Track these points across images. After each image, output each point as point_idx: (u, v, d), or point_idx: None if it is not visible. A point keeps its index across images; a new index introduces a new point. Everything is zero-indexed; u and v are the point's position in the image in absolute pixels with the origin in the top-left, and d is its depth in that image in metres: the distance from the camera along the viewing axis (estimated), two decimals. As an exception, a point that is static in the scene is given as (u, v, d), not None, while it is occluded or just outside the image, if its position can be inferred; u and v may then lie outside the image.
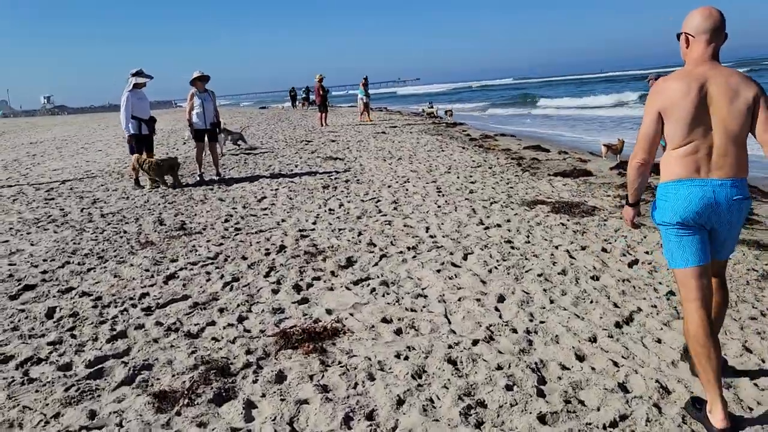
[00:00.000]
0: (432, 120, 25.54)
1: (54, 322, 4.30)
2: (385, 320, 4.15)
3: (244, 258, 5.72)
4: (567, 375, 3.32)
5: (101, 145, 19.95)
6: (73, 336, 4.06)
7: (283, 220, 7.25)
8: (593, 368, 3.39)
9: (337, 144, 15.69)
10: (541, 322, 4.02)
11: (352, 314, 4.29)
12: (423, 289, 4.76)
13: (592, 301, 4.36)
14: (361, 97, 24.57)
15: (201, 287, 4.95)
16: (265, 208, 8.02)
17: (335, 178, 10.24)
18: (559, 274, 4.96)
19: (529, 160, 12.05)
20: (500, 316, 4.16)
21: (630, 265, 5.13)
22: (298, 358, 3.60)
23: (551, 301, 4.39)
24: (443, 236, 6.24)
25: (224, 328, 4.11)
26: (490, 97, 55.88)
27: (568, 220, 6.75)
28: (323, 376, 3.39)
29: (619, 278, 4.81)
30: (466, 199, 8.11)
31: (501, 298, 4.48)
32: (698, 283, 2.79)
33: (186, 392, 3.20)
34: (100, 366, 3.57)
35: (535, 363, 3.45)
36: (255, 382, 3.35)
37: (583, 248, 5.64)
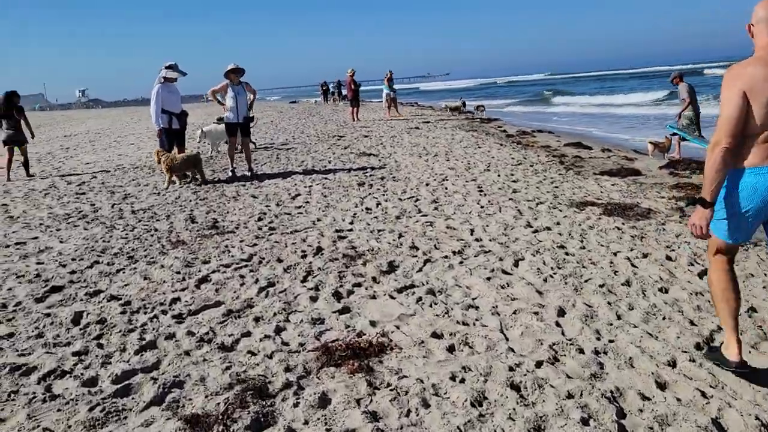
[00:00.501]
0: (457, 115, 24.86)
1: (80, 329, 4.03)
2: (435, 335, 3.78)
3: (279, 260, 5.41)
4: (649, 407, 2.91)
5: (133, 138, 19.94)
6: (100, 345, 3.78)
7: (318, 220, 6.93)
8: (678, 399, 2.97)
9: (370, 139, 15.34)
10: (610, 341, 3.61)
11: (398, 327, 3.93)
12: (473, 299, 4.38)
13: (664, 318, 3.92)
14: (387, 92, 23.88)
15: (235, 292, 4.65)
16: (300, 206, 7.71)
17: (370, 175, 9.88)
18: (622, 285, 4.52)
19: (572, 158, 11.53)
20: (562, 333, 3.76)
21: (700, 275, 4.67)
22: (343, 378, 3.26)
23: (618, 317, 3.96)
24: (490, 240, 5.84)
25: (260, 340, 3.78)
26: (521, 93, 54.85)
27: (623, 224, 6.28)
28: (371, 400, 3.04)
29: (691, 291, 4.36)
30: (510, 199, 7.68)
31: (561, 312, 4.07)
32: (734, 251, 3.07)
33: (221, 417, 2.88)
34: (127, 382, 3.28)
35: (611, 391, 3.04)
36: (296, 405, 3.01)
37: (645, 256, 5.18)
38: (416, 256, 5.40)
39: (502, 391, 3.05)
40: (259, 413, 2.93)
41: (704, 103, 15.86)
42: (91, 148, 17.05)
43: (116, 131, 24.33)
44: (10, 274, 5.27)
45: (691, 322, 3.84)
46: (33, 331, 4.01)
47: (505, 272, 4.90)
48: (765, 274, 4.65)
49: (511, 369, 3.29)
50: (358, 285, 4.73)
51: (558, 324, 3.88)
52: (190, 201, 8.32)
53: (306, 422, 2.87)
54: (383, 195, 8.25)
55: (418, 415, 2.90)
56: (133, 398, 3.13)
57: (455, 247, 5.62)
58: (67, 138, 21.90)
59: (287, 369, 3.38)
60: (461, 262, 5.18)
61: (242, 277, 4.98)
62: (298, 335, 3.85)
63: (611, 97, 37.50)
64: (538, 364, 3.34)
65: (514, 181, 8.93)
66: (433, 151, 12.71)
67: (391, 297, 4.47)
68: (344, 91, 33.86)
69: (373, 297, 4.49)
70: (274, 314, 4.19)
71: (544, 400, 2.98)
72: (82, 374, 3.40)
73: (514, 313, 4.08)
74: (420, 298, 4.39)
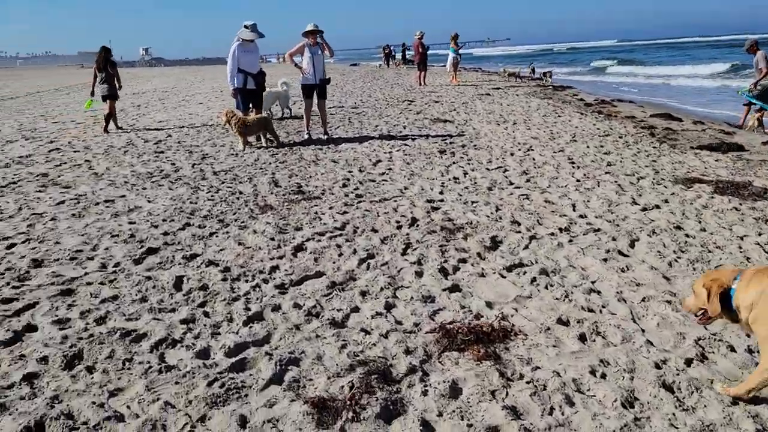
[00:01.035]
0: (518, 81, 23.75)
1: (183, 295, 3.92)
2: (561, 321, 3.48)
3: (374, 230, 5.17)
4: (832, 421, 2.55)
5: (201, 98, 20.02)
6: (206, 314, 3.64)
7: (405, 188, 6.65)
8: None
9: (441, 105, 14.87)
10: (763, 339, 3.22)
11: (516, 310, 3.64)
12: (593, 282, 4.04)
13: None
14: (454, 55, 22.47)
15: (334, 263, 4.45)
16: (383, 173, 7.44)
17: (450, 143, 9.50)
18: (760, 274, 4.09)
19: (663, 130, 10.81)
20: (705, 327, 3.39)
21: None
22: (469, 365, 3.01)
23: (765, 311, 3.56)
24: (596, 217, 5.44)
25: (372, 317, 3.57)
26: (585, 59, 52.37)
27: (740, 204, 5.76)
28: (507, 393, 2.78)
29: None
30: (606, 173, 7.21)
31: (696, 302, 3.69)
32: None
33: (348, 402, 2.68)
34: (241, 356, 3.12)
35: (781, 399, 2.69)
36: (425, 394, 2.78)
37: (777, 241, 4.71)
38: (519, 231, 5.07)
39: (655, 392, 2.74)
40: (387, 400, 2.72)
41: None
42: (162, 107, 17.18)
43: (183, 90, 24.53)
44: (104, 233, 5.23)
45: None
46: (137, 295, 3.92)
47: (621, 253, 4.53)
48: None
49: (657, 366, 2.96)
50: (464, 261, 4.45)
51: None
52: (270, 164, 8.17)
53: (440, 414, 2.64)
54: (468, 164, 7.89)
55: (563, 414, 2.62)
56: (250, 374, 2.97)
57: (560, 223, 5.26)
58: (136, 96, 22.20)
59: (407, 351, 3.16)
60: (570, 241, 4.82)
61: (339, 246, 4.77)
62: (411, 314, 3.62)
63: (680, 68, 34.76)
64: (688, 362, 3.00)
65: (606, 154, 8.40)
66: (510, 119, 12.19)
67: (502, 276, 4.18)
68: (409, 55, 32.99)
69: (482, 275, 4.21)
70: (381, 289, 3.96)
71: (705, 405, 2.65)
72: (193, 344, 3.27)
73: (643, 300, 3.73)
74: (534, 279, 4.08)
